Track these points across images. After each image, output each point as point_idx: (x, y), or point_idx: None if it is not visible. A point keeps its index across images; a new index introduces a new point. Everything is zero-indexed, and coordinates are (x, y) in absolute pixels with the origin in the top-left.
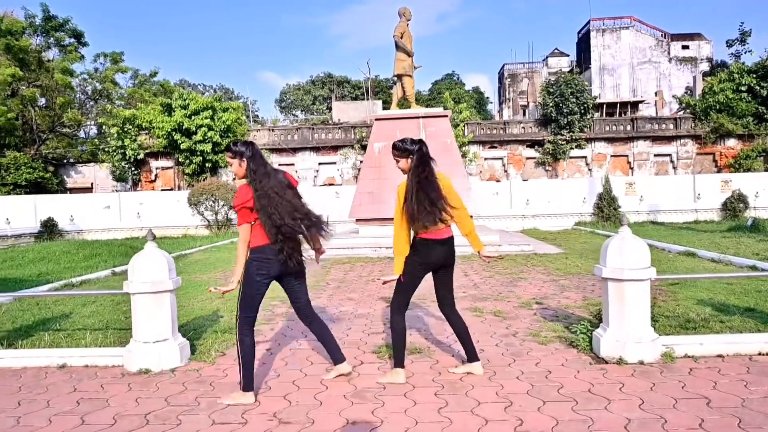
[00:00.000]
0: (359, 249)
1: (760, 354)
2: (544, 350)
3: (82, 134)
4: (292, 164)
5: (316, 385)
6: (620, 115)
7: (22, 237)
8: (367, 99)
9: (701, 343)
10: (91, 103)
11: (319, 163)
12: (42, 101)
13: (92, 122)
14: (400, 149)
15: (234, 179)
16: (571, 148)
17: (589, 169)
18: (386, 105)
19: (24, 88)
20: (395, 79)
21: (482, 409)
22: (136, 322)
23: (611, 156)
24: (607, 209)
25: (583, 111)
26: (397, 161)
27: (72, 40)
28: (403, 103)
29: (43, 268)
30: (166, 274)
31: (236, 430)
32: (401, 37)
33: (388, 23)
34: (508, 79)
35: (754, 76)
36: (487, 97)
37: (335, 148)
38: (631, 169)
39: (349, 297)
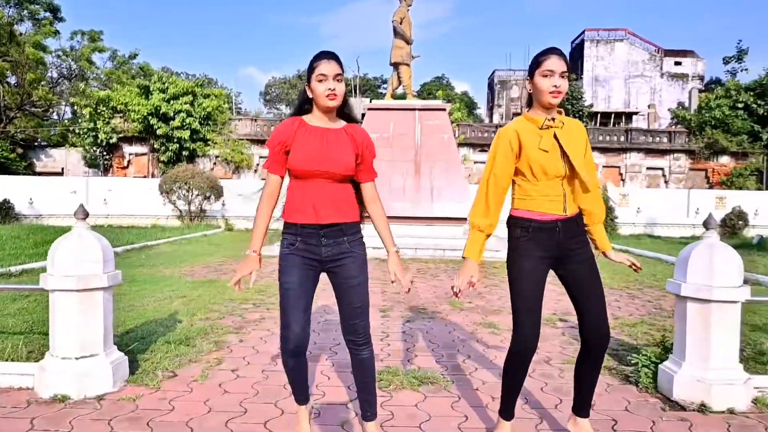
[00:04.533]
0: None
1: None
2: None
3: (55, 116)
4: None
5: None
6: (614, 125)
7: None
8: (355, 96)
9: None
10: (66, 83)
11: None
12: (12, 78)
13: (65, 103)
14: (569, 64)
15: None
16: None
17: None
18: (378, 100)
19: None
20: (390, 69)
21: None
22: (55, 329)
23: (603, 166)
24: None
25: (577, 118)
26: (564, 77)
27: (47, 14)
28: (398, 95)
29: None
30: (100, 266)
31: None
32: (400, 23)
33: (378, 24)
34: (498, 86)
35: (752, 93)
36: (475, 103)
37: None
38: (623, 180)
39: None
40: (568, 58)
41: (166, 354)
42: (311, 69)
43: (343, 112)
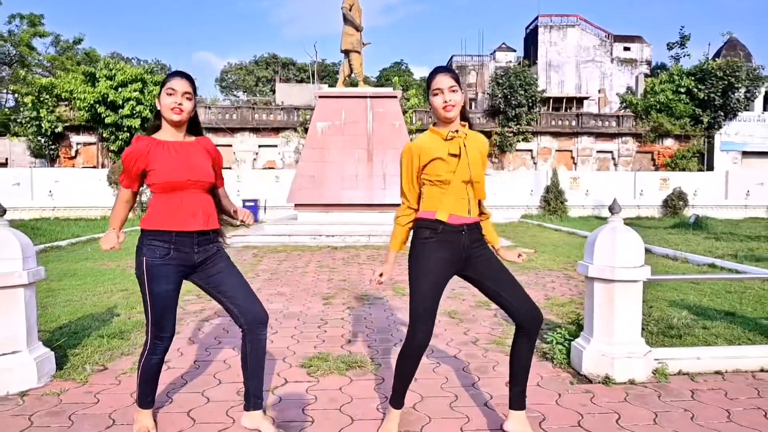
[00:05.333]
0: (297, 237)
1: (762, 370)
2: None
3: None
4: (230, 145)
5: (221, 418)
6: (566, 110)
7: None
8: (313, 82)
9: (698, 357)
10: (6, 69)
11: (259, 146)
12: None
13: (6, 91)
14: (456, 78)
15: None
16: (518, 141)
17: (534, 163)
18: (332, 88)
19: None
20: (342, 55)
21: None
22: None
23: (556, 150)
24: (554, 202)
25: (531, 104)
26: (454, 90)
27: None
28: (351, 82)
29: None
30: (20, 263)
31: None
32: (350, 10)
33: (333, 9)
34: (456, 71)
35: (693, 78)
36: None
37: (277, 131)
38: (575, 164)
39: (279, 291)
40: (457, 73)
41: (98, 348)
42: (163, 84)
43: (196, 129)
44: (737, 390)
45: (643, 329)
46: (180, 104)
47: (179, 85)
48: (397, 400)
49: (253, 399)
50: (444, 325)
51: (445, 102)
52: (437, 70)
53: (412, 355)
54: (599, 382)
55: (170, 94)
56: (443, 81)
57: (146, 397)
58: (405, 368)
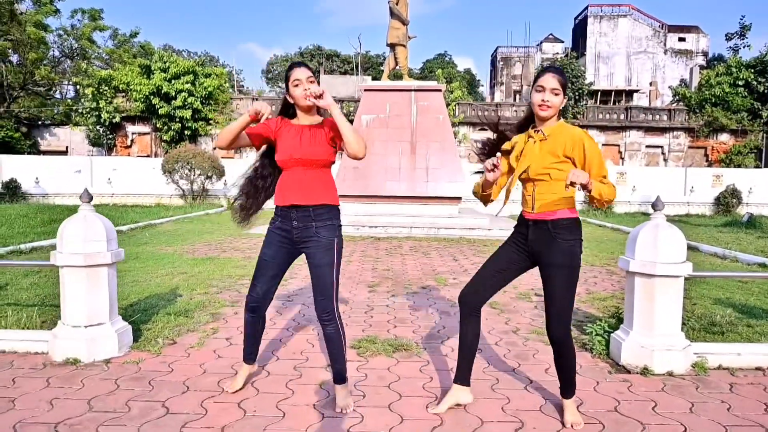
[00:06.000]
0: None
1: None
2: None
3: (58, 95)
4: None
5: (281, 389)
6: (614, 103)
7: None
8: (357, 74)
9: (739, 353)
10: (68, 62)
11: None
12: (14, 57)
13: (68, 82)
14: (563, 83)
15: (214, 149)
16: None
17: None
18: (376, 80)
19: None
20: (387, 49)
21: (487, 430)
22: (65, 301)
23: (603, 145)
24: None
25: (577, 97)
26: (556, 94)
27: None
28: (396, 74)
29: None
30: (104, 244)
31: None
32: (397, 4)
33: (376, 1)
34: (501, 63)
35: (752, 71)
36: (478, 80)
37: None
38: (622, 159)
39: None
40: (565, 79)
41: (167, 324)
42: (287, 78)
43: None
44: None
45: (684, 325)
46: (307, 89)
47: (302, 74)
48: (457, 372)
49: (333, 376)
50: (485, 314)
51: (543, 101)
52: (548, 69)
53: (460, 313)
54: (637, 373)
55: (297, 85)
56: (549, 81)
57: (246, 350)
58: (460, 334)
